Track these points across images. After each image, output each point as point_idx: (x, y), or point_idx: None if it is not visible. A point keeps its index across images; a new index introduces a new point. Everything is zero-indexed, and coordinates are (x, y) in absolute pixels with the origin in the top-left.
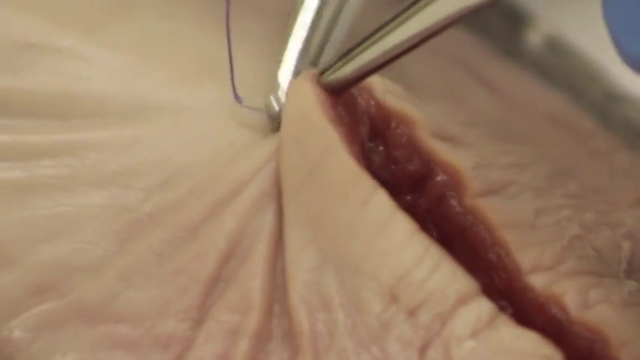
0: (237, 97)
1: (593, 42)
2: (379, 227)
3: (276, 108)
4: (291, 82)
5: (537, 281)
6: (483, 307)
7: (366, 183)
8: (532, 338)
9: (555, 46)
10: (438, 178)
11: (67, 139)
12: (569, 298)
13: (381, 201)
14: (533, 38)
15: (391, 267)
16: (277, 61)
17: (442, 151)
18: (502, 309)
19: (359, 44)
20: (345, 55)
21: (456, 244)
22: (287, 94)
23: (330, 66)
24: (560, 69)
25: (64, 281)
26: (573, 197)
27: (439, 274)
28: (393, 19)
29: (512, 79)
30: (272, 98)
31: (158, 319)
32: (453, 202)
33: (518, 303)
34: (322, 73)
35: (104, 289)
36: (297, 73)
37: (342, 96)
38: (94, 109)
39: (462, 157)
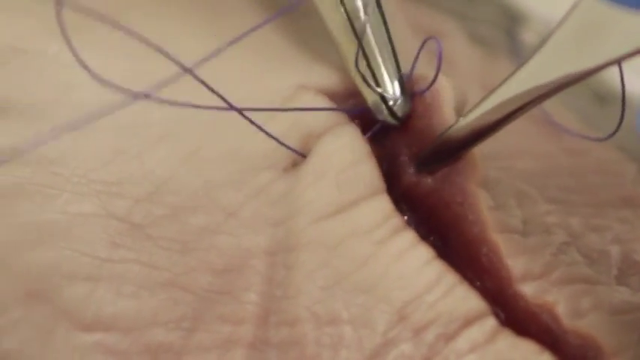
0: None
1: None
2: (398, 255)
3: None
4: (336, 128)
5: (528, 290)
6: (487, 324)
7: (395, 221)
8: (529, 347)
9: None
10: None
11: (55, 145)
12: (561, 307)
13: (406, 236)
14: (527, 38)
15: (404, 290)
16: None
17: None
18: (495, 315)
19: None
20: None
21: (452, 237)
22: (331, 137)
23: None
24: None
25: (53, 288)
26: (557, 202)
27: (450, 298)
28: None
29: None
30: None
31: (148, 328)
32: (455, 191)
33: (510, 310)
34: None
35: (94, 296)
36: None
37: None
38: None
39: None
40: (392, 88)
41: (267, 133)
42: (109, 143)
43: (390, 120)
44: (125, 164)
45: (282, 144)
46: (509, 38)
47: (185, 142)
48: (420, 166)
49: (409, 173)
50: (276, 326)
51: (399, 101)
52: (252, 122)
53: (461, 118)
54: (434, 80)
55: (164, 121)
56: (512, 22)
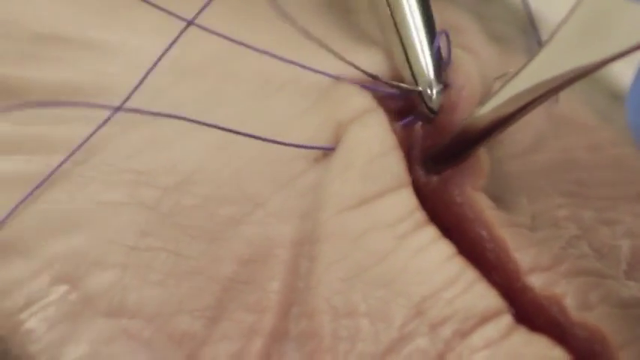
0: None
1: None
2: (419, 249)
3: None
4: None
5: (536, 282)
6: (502, 321)
7: (418, 216)
8: (542, 342)
9: None
10: None
11: (86, 134)
12: (569, 299)
13: (428, 231)
14: (544, 37)
15: (423, 285)
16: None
17: None
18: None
19: None
20: None
21: (455, 238)
22: (357, 128)
23: None
24: None
25: (80, 274)
26: (571, 195)
27: (469, 295)
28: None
29: None
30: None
31: (173, 316)
32: (456, 191)
33: (518, 303)
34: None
35: (121, 283)
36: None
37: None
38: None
39: None
40: (430, 79)
41: (281, 143)
42: (140, 132)
43: (428, 114)
44: (155, 153)
45: (305, 147)
46: (525, 37)
47: (215, 132)
48: (429, 162)
49: (419, 169)
50: (297, 318)
51: (436, 92)
52: (259, 138)
53: (475, 112)
54: (447, 60)
55: (195, 111)
56: (527, 21)
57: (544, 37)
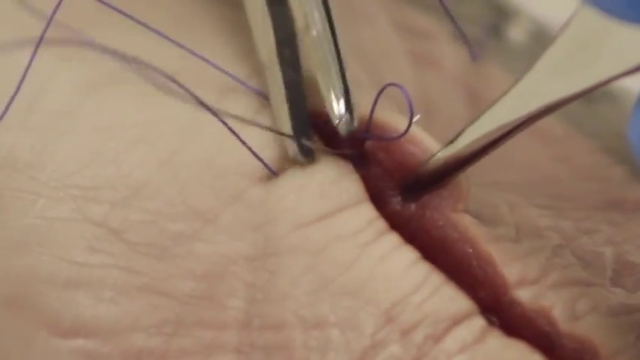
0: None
1: None
2: (383, 257)
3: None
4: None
5: (524, 295)
6: (475, 324)
7: (379, 224)
8: (519, 348)
9: (538, 43)
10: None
11: (32, 149)
12: (557, 311)
13: (390, 238)
14: (515, 34)
15: (391, 291)
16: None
17: None
18: (490, 322)
19: None
20: None
21: (440, 258)
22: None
23: None
24: None
25: (33, 294)
26: (546, 208)
27: (437, 298)
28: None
29: (492, 84)
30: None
31: (129, 333)
32: (436, 215)
33: (506, 318)
34: None
35: (73, 302)
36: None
37: None
38: (56, 122)
39: None
40: (337, 107)
41: (243, 142)
42: (85, 146)
43: (301, 159)
44: (101, 168)
45: (257, 157)
46: (496, 36)
47: (161, 146)
48: (404, 193)
49: (393, 202)
50: (260, 329)
51: (344, 119)
52: (229, 128)
53: (444, 148)
54: (406, 130)
55: (141, 124)
56: (498, 17)
57: (514, 34)
